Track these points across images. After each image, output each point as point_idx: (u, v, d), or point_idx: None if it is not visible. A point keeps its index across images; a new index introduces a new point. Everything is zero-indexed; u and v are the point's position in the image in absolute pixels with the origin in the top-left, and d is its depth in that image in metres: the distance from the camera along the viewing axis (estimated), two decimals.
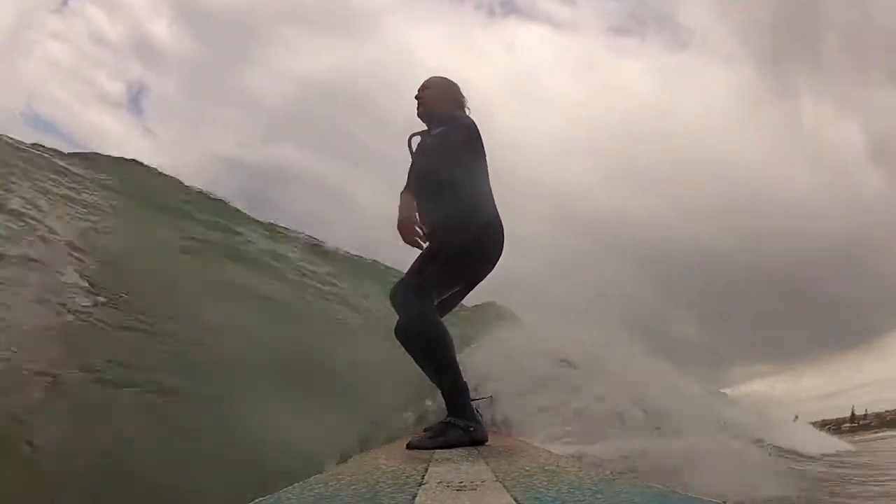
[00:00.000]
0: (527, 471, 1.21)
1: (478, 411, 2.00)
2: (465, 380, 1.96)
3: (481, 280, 2.21)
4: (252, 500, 0.91)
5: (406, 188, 2.21)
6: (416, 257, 2.11)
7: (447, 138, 2.12)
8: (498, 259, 2.18)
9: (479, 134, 2.18)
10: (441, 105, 2.27)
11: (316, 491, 1.01)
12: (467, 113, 2.29)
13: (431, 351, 1.98)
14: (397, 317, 2.10)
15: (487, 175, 2.20)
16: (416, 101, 2.32)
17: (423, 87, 2.33)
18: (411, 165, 2.28)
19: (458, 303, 2.30)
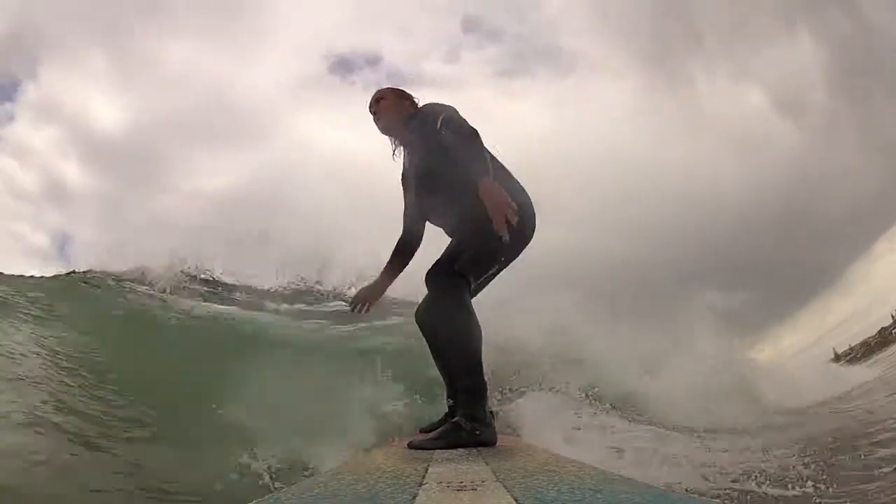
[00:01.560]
0: (527, 471, 1.20)
1: (492, 413, 1.92)
2: (485, 379, 1.88)
3: (514, 259, 2.09)
4: (252, 501, 0.91)
5: (406, 198, 2.27)
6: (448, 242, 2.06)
7: (436, 125, 1.97)
8: (532, 235, 2.06)
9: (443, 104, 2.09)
10: (401, 109, 2.19)
11: (316, 491, 1.02)
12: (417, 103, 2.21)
13: (457, 341, 1.88)
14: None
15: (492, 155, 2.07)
16: (374, 117, 2.23)
17: (376, 100, 2.23)
18: (409, 173, 2.23)
19: (485, 286, 2.16)
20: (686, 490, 2.80)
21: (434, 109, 2.07)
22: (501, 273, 2.11)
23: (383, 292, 2.36)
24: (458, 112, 2.04)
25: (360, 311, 2.34)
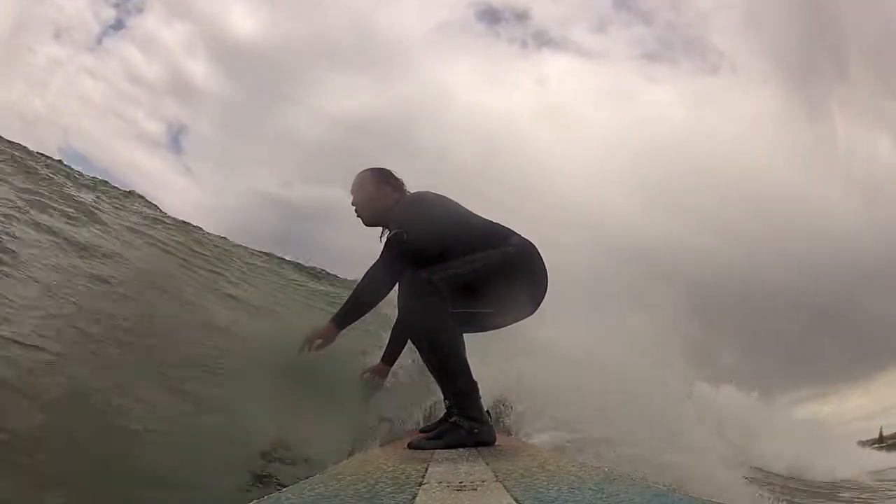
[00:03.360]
0: (527, 471, 1.20)
1: (488, 412, 1.93)
2: (474, 379, 1.90)
3: (521, 310, 2.08)
4: (252, 501, 0.91)
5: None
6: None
7: (399, 238, 1.97)
8: (537, 283, 2.04)
9: (417, 201, 2.10)
10: (377, 202, 2.15)
11: (316, 491, 1.01)
12: (403, 186, 2.18)
13: (437, 348, 1.91)
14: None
15: (471, 213, 2.10)
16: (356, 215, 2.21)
17: (351, 197, 2.23)
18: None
19: (484, 330, 2.15)
20: None
21: (396, 220, 2.02)
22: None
23: (389, 370, 2.50)
24: (402, 221, 1.98)
25: (372, 384, 2.49)
